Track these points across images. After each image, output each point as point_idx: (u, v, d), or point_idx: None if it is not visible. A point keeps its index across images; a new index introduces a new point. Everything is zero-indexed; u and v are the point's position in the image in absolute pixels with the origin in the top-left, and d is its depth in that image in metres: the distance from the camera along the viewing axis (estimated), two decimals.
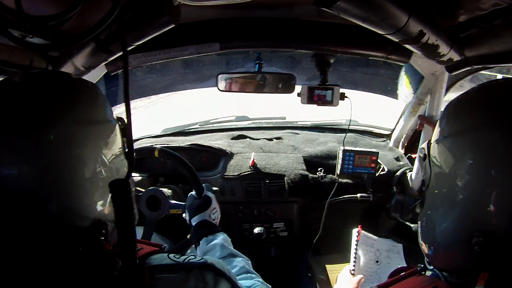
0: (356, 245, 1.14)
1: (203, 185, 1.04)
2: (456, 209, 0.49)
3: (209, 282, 0.54)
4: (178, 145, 1.46)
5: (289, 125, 1.78)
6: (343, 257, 1.23)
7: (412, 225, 1.28)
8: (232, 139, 1.58)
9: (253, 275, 0.77)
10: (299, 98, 1.15)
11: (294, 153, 1.49)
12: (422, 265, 0.59)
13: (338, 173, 1.39)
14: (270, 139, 1.58)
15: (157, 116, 5.41)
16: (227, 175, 1.38)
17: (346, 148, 1.39)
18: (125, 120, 0.47)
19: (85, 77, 0.92)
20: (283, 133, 1.64)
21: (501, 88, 0.51)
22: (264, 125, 1.77)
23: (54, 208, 0.44)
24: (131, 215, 0.45)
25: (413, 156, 1.46)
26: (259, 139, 1.58)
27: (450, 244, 0.51)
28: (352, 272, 1.10)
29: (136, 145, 1.50)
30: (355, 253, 1.13)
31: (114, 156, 0.51)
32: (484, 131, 0.46)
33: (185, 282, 0.51)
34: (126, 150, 0.53)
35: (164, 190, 1.15)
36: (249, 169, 1.38)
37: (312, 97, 1.14)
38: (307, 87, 1.14)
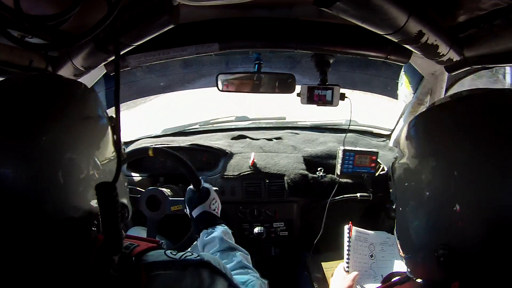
0: (349, 241, 1.13)
1: (200, 177, 1.04)
2: (422, 218, 0.49)
3: (205, 280, 0.54)
4: (178, 145, 1.46)
5: (289, 125, 1.77)
6: (338, 255, 1.23)
7: None
8: (232, 139, 1.58)
9: (249, 270, 0.77)
10: (299, 98, 1.16)
11: (294, 153, 1.48)
12: None
13: (338, 172, 1.39)
14: (270, 139, 1.58)
15: (157, 116, 5.41)
16: (227, 175, 1.38)
17: (346, 147, 1.39)
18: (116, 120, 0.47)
19: (84, 77, 0.93)
20: (283, 133, 1.63)
21: (467, 101, 0.50)
22: (264, 125, 1.77)
23: (48, 209, 0.44)
24: (117, 217, 0.46)
25: None
26: (259, 139, 1.57)
27: (421, 256, 0.52)
28: (347, 269, 1.09)
29: (137, 145, 1.51)
30: (348, 250, 1.12)
31: (107, 158, 0.51)
32: (449, 147, 0.46)
33: (181, 280, 0.51)
34: (117, 151, 0.53)
35: (164, 190, 1.15)
36: (249, 169, 1.38)
37: (312, 97, 1.14)
38: (307, 87, 1.14)
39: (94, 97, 0.52)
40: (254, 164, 1.38)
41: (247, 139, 1.58)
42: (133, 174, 1.43)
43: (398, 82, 1.38)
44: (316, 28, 0.96)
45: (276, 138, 1.59)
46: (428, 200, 0.48)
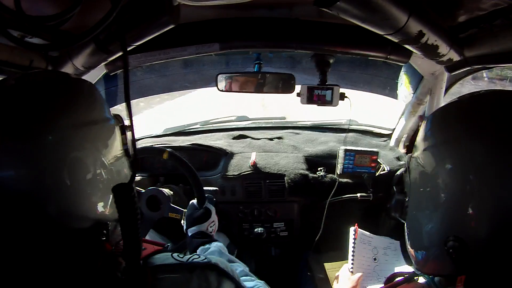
0: (354, 243, 1.14)
1: (206, 195, 1.04)
2: (438, 212, 0.50)
3: (213, 282, 0.54)
4: (178, 144, 1.46)
5: (289, 125, 1.78)
6: (341, 255, 1.23)
7: None
8: (232, 139, 1.58)
9: (253, 277, 0.78)
10: (299, 98, 1.16)
11: (295, 152, 1.48)
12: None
13: (339, 172, 1.39)
14: (271, 139, 1.58)
15: (156, 116, 5.40)
16: (228, 175, 1.38)
17: (347, 147, 1.39)
18: (123, 118, 0.47)
19: (84, 77, 0.93)
20: (283, 133, 1.64)
21: (483, 100, 0.52)
22: (264, 125, 1.77)
23: (52, 211, 0.43)
24: (136, 219, 0.45)
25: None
26: (260, 139, 1.58)
27: (431, 248, 0.52)
28: (351, 270, 1.10)
29: (137, 145, 1.50)
30: (353, 251, 1.13)
31: (114, 158, 0.50)
32: (465, 142, 0.48)
33: (188, 283, 0.51)
34: (131, 152, 0.53)
35: (166, 190, 1.14)
36: (250, 169, 1.38)
37: (312, 97, 1.14)
38: (307, 87, 1.14)
39: (99, 95, 0.52)
40: (254, 164, 1.38)
41: (248, 139, 1.58)
42: None
43: (398, 82, 1.38)
44: (316, 28, 0.96)
45: (277, 138, 1.59)
46: (442, 193, 0.49)
